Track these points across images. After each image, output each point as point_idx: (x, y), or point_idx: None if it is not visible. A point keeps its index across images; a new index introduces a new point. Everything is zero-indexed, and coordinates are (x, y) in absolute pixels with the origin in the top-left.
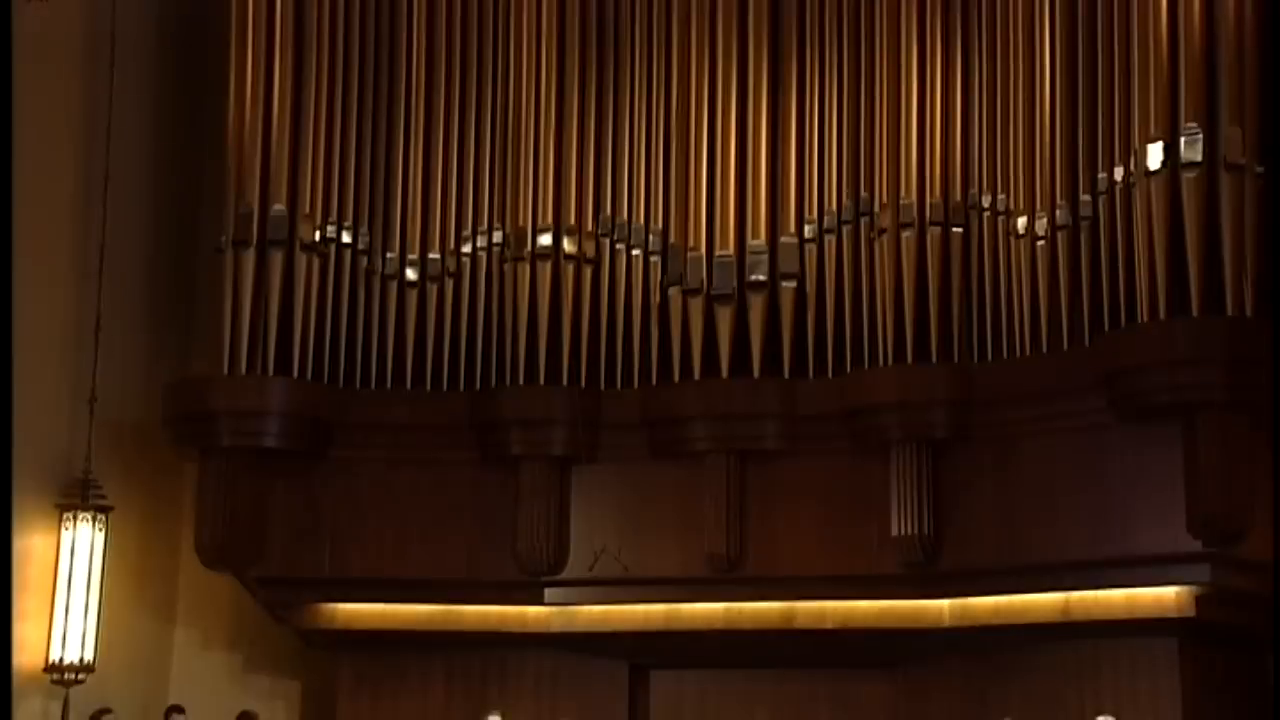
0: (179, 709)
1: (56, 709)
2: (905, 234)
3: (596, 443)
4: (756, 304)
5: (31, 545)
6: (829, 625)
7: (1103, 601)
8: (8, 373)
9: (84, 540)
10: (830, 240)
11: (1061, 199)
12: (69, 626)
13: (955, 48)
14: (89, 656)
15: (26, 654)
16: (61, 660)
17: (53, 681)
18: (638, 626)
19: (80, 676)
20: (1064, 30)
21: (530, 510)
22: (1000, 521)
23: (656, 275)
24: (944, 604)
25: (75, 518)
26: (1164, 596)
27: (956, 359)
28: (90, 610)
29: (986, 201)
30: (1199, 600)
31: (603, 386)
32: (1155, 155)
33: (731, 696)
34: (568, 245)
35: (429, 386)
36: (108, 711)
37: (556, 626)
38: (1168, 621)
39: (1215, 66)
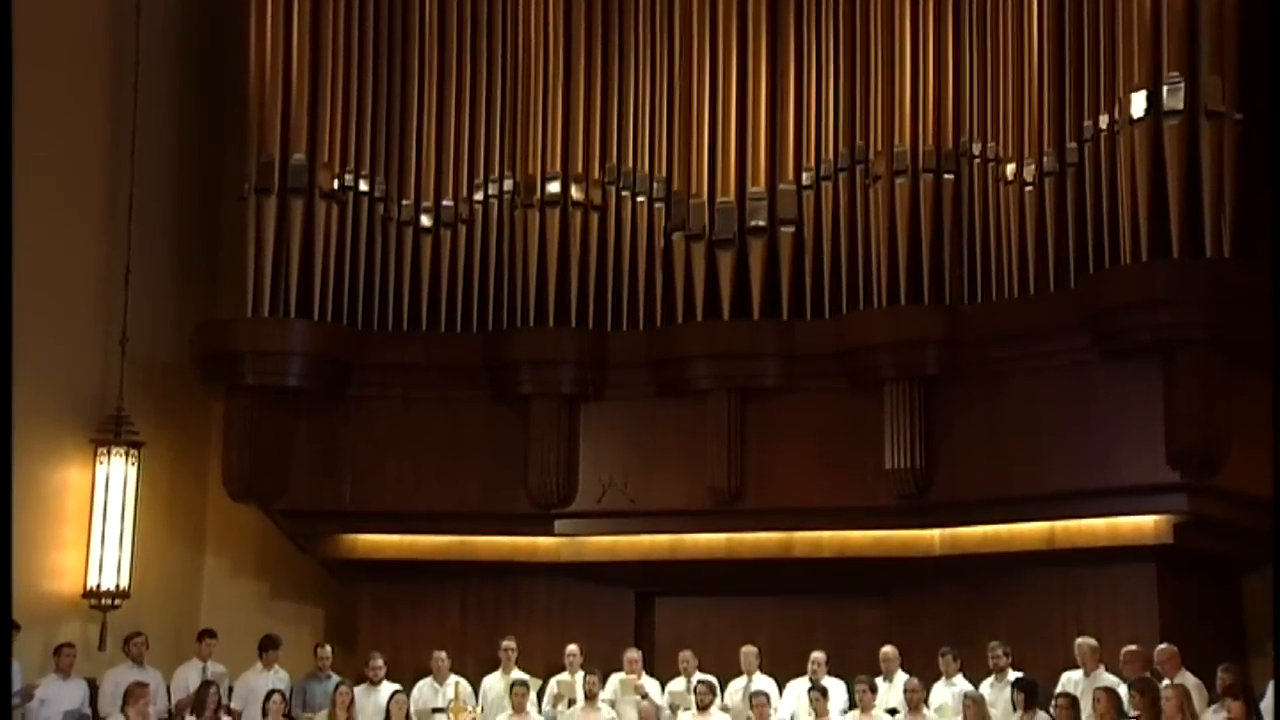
0: (210, 632)
1: (95, 632)
2: (899, 181)
3: (603, 381)
4: (756, 248)
5: (68, 478)
6: (825, 554)
7: (1085, 530)
8: (7, 359)
9: (118, 474)
10: (827, 187)
11: (1049, 146)
12: (105, 555)
13: (947, 1)
14: (124, 583)
15: (66, 581)
16: (99, 586)
17: (91, 606)
18: (643, 556)
19: (116, 602)
20: None
21: (540, 446)
22: (989, 455)
23: (660, 221)
24: (935, 533)
25: (109, 452)
26: (1143, 525)
27: (947, 300)
28: (125, 540)
29: (977, 149)
30: (1177, 528)
31: (609, 328)
32: (1138, 104)
33: (733, 622)
34: (575, 193)
35: (443, 328)
36: (139, 634)
37: (566, 556)
38: (1147, 548)
39: (1196, 17)
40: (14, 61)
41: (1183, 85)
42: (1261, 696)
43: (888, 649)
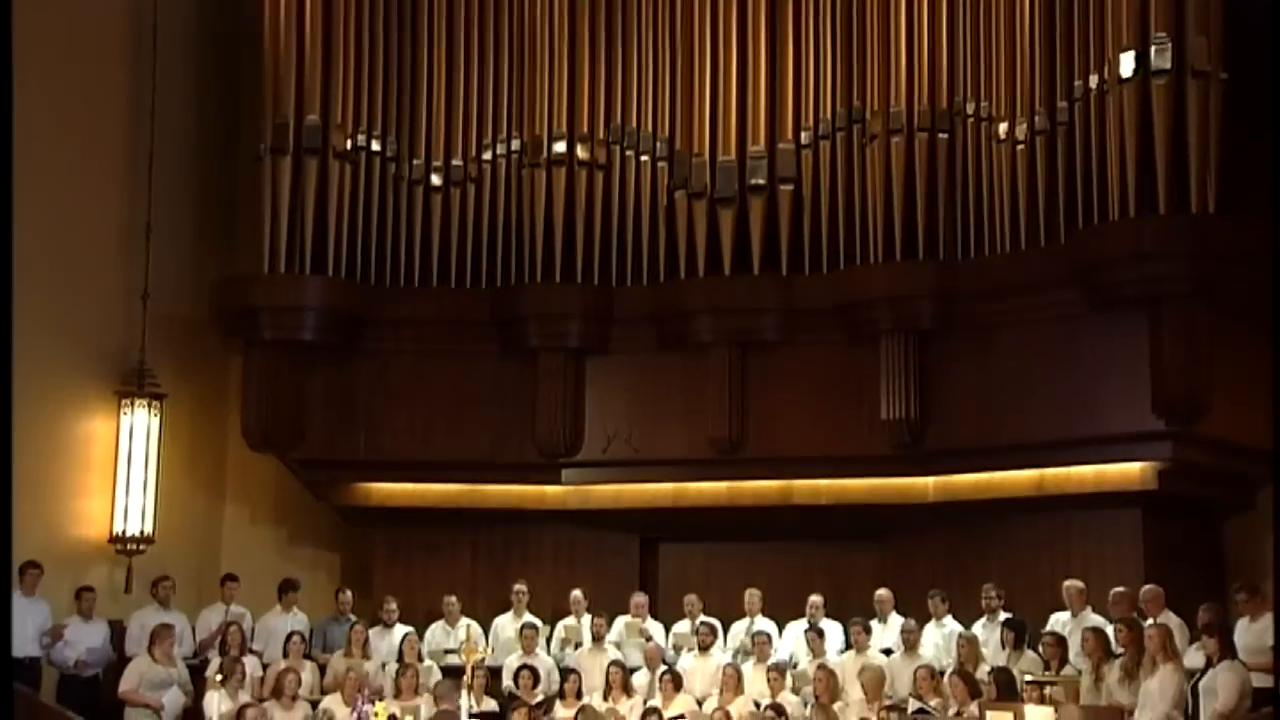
0: (233, 577)
1: (121, 576)
2: (894, 140)
3: (608, 335)
4: (756, 206)
5: (94, 429)
6: (823, 501)
7: (1074, 477)
8: (7, 348)
9: (141, 424)
10: (825, 146)
11: (1040, 106)
12: (129, 502)
13: None
14: (148, 529)
15: (93, 527)
16: (124, 532)
17: (117, 551)
18: (647, 503)
19: (141, 547)
20: None
21: (548, 398)
22: (980, 405)
23: (663, 180)
24: (928, 481)
25: (133, 404)
26: (1129, 471)
27: (941, 256)
28: (148, 488)
29: (970, 109)
30: (1161, 475)
31: (614, 283)
32: (1127, 64)
33: (733, 566)
34: (581, 152)
35: (453, 284)
36: (166, 578)
37: (573, 504)
38: (1132, 494)
39: None
40: (39, 27)
41: (1170, 45)
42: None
43: (882, 592)
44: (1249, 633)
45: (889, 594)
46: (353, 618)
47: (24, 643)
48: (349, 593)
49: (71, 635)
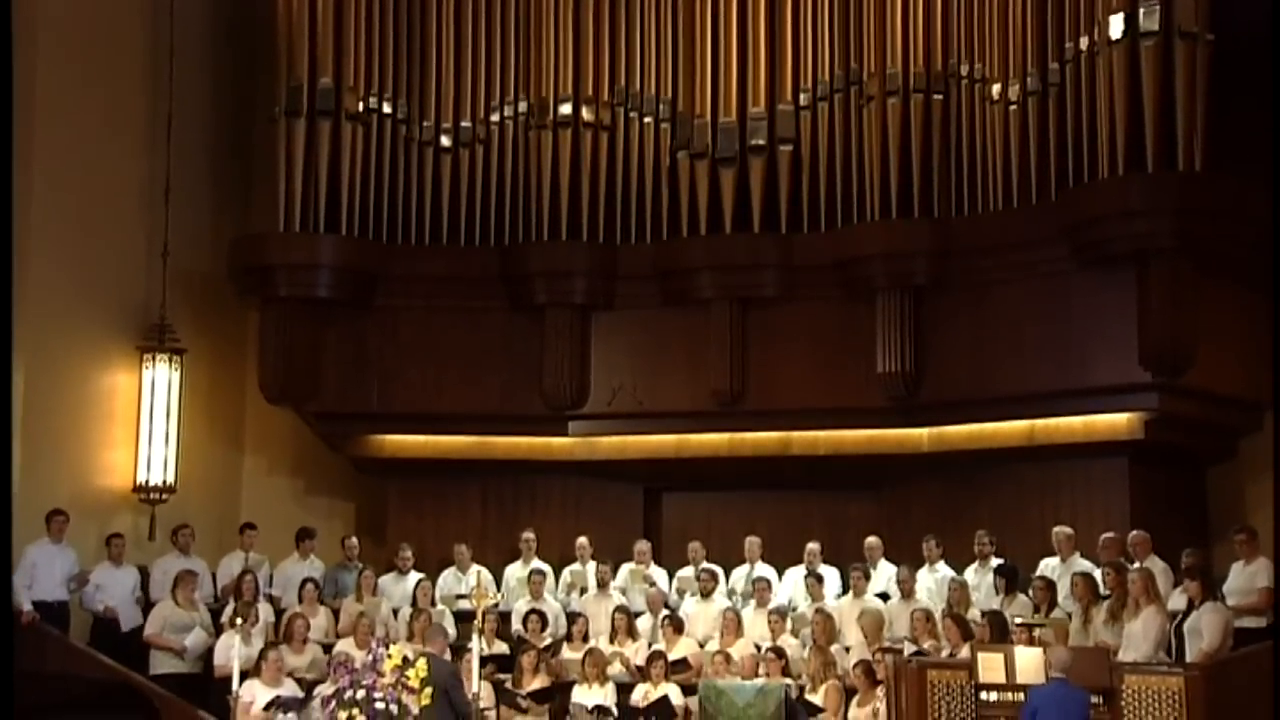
0: (251, 525)
1: (144, 524)
2: (891, 101)
3: (613, 291)
4: (756, 166)
5: (117, 382)
6: (821, 452)
7: (1063, 427)
8: (7, 340)
9: (162, 378)
10: (823, 107)
11: (1032, 67)
12: (152, 453)
13: None
14: (170, 479)
15: (117, 477)
16: (147, 482)
17: (140, 500)
18: (651, 454)
19: (164, 496)
20: None
21: (555, 352)
22: (974, 358)
23: (666, 140)
24: (923, 432)
25: (154, 358)
26: (1117, 422)
27: (936, 214)
28: (170, 439)
29: (964, 70)
30: (1148, 425)
31: (618, 241)
32: (1116, 25)
33: (734, 515)
34: (586, 114)
35: (463, 242)
36: (185, 526)
37: (579, 455)
38: (1120, 444)
39: None
40: (51, 6)
41: (1158, 7)
42: (1223, 579)
43: (872, 539)
44: (1241, 575)
45: (878, 541)
46: (359, 564)
47: (52, 587)
48: (355, 540)
49: (103, 581)
